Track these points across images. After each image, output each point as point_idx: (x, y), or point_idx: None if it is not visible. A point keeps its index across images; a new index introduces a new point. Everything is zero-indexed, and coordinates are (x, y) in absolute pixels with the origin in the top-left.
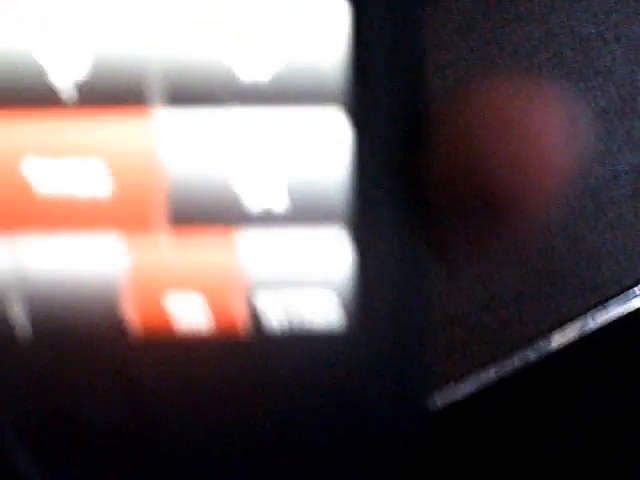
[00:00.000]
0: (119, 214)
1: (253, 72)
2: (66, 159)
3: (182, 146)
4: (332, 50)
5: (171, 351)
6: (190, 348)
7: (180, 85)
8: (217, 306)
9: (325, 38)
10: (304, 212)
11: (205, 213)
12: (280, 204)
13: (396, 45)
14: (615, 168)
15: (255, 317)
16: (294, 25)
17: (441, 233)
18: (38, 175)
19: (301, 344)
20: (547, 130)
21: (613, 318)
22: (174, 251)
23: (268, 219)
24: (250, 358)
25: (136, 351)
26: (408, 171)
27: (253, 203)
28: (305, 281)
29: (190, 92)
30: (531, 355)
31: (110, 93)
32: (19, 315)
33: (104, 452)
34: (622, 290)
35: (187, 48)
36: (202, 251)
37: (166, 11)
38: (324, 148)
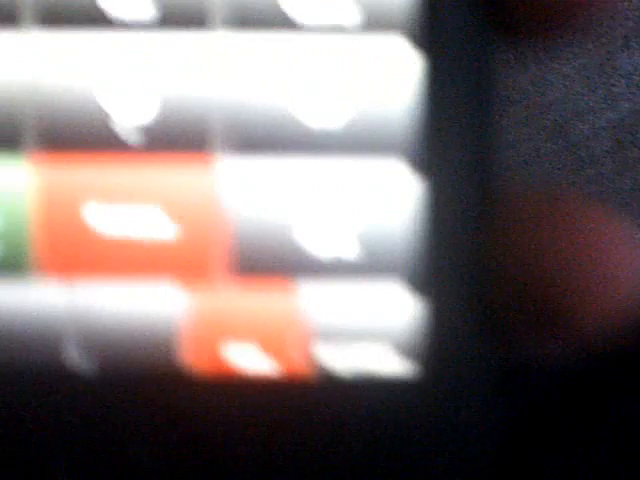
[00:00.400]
0: (181, 260)
1: (321, 120)
2: (129, 204)
3: (246, 194)
4: (403, 101)
5: (228, 394)
6: (249, 392)
7: (246, 133)
8: (278, 354)
9: (396, 88)
10: (370, 263)
11: (268, 262)
12: (346, 254)
13: (468, 99)
14: (594, 124)
15: (318, 364)
16: (365, 74)
17: (499, 299)
18: (100, 219)
19: (365, 390)
20: (612, 245)
21: None
22: (235, 299)
23: (333, 269)
24: (312, 403)
25: (194, 394)
26: (476, 227)
27: (317, 253)
28: (370, 331)
29: (256, 140)
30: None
31: (175, 139)
32: (78, 356)
33: None
34: None
35: (254, 95)
36: (264, 300)
37: (234, 57)
38: (392, 199)
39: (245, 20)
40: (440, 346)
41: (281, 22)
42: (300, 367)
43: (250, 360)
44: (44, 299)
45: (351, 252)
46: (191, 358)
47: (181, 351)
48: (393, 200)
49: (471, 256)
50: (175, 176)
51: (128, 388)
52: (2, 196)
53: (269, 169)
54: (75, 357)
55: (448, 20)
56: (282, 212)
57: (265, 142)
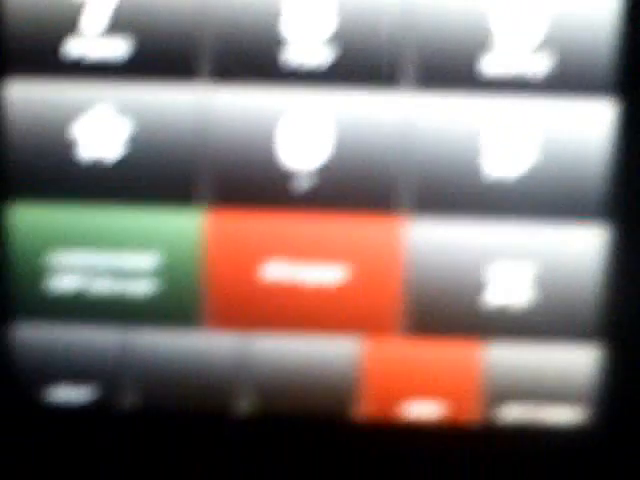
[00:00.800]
0: (357, 315)
1: (501, 174)
2: (304, 258)
3: (428, 255)
4: (590, 156)
5: (398, 442)
6: (419, 440)
7: (433, 192)
8: (452, 408)
9: (583, 141)
10: (552, 324)
11: (446, 323)
12: (527, 315)
13: None
14: None
15: (490, 415)
16: (551, 126)
17: None
18: (275, 273)
19: (536, 439)
20: None
21: None
22: (411, 356)
23: (514, 331)
24: (481, 451)
25: (362, 440)
26: None
27: (499, 314)
28: (551, 389)
29: (442, 200)
30: None
31: (360, 198)
32: (249, 405)
33: None
34: None
35: (442, 147)
36: (440, 358)
37: (421, 116)
38: (578, 262)
39: (433, 79)
40: (617, 394)
41: (470, 82)
42: (474, 418)
43: (424, 411)
44: (215, 349)
45: (534, 313)
46: (365, 408)
47: (355, 402)
48: (579, 260)
49: None
50: (356, 232)
51: (299, 437)
52: (176, 249)
53: (456, 229)
54: (246, 406)
55: None
56: (462, 272)
57: (450, 202)
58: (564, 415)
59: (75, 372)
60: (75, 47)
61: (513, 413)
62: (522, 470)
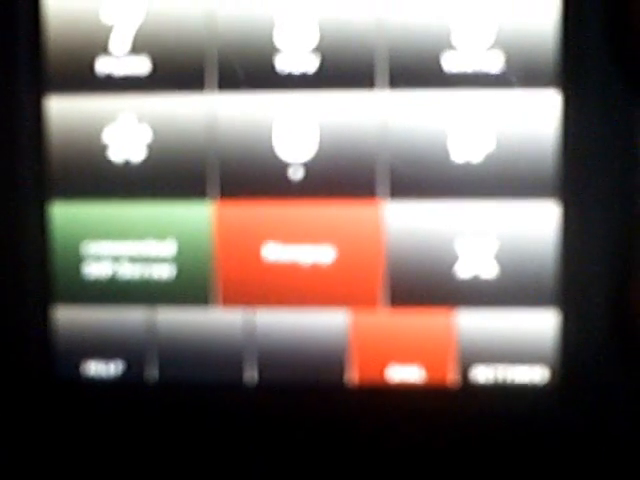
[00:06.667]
0: (345, 290)
1: (465, 159)
2: (301, 241)
3: (405, 234)
4: (540, 140)
5: (385, 402)
6: (403, 399)
7: (407, 177)
8: (431, 370)
9: (533, 127)
10: (515, 292)
11: (423, 294)
12: (493, 284)
13: (605, 138)
14: None
15: (465, 376)
16: (505, 115)
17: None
18: (275, 255)
19: (506, 396)
20: None
21: None
22: (394, 325)
23: (483, 300)
24: (458, 407)
25: (353, 401)
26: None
27: (468, 284)
28: (516, 351)
29: (414, 184)
30: None
31: (345, 184)
32: (256, 373)
33: None
34: None
35: (413, 139)
36: (419, 326)
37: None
38: (536, 236)
39: (403, 79)
40: (573, 355)
41: (439, 80)
42: (449, 375)
43: (407, 376)
44: (225, 325)
45: (499, 282)
46: (355, 374)
47: (346, 368)
48: (537, 236)
49: (603, 267)
50: (343, 216)
51: (298, 399)
52: (190, 237)
53: (428, 210)
54: (253, 373)
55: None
56: (438, 248)
57: (423, 186)
58: (528, 375)
59: (106, 349)
60: (104, 65)
61: (484, 374)
62: (493, 424)
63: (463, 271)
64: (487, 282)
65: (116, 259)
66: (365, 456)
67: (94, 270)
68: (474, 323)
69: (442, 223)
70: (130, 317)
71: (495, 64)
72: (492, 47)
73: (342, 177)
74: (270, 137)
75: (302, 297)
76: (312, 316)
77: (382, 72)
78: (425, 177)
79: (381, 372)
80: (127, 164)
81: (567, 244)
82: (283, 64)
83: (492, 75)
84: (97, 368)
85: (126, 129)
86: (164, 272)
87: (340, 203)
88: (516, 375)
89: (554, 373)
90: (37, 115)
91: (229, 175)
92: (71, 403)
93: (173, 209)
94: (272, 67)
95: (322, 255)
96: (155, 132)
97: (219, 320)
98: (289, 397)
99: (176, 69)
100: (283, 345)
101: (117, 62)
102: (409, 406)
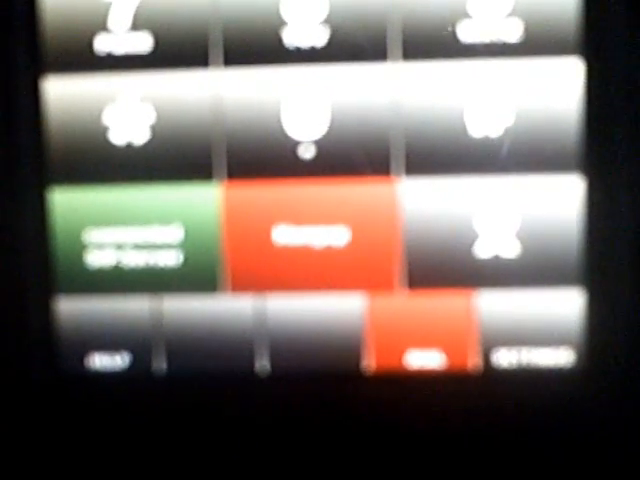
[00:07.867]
0: (361, 273)
1: (484, 133)
2: (313, 223)
3: (422, 212)
4: (562, 112)
5: (404, 389)
6: (423, 386)
7: (423, 153)
8: (451, 355)
9: (554, 98)
10: (538, 272)
11: (442, 276)
12: (515, 264)
13: (629, 107)
14: None
15: (487, 360)
16: (525, 86)
17: None
18: (286, 238)
19: (530, 381)
20: None
21: None
22: (412, 309)
23: (504, 280)
24: (480, 394)
25: (371, 390)
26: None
27: (489, 264)
28: (540, 333)
29: (430, 159)
30: None
31: (358, 163)
32: (268, 361)
33: None
34: None
35: (428, 113)
36: (439, 309)
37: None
38: (559, 212)
39: (418, 51)
40: (600, 336)
41: (455, 50)
42: (471, 359)
43: (426, 362)
44: (235, 311)
45: (521, 262)
46: (372, 361)
47: (362, 354)
48: (561, 211)
49: (630, 243)
50: (357, 196)
51: (313, 390)
52: (197, 221)
53: (445, 188)
54: (265, 362)
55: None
56: (456, 227)
57: (439, 161)
58: (553, 358)
59: (111, 341)
60: (103, 43)
61: (507, 358)
62: (517, 410)
63: (483, 251)
64: (508, 262)
65: (120, 246)
66: (384, 448)
67: (97, 259)
68: (495, 305)
69: (460, 201)
70: (135, 307)
71: (513, 33)
72: (510, 15)
73: (355, 154)
74: (279, 114)
75: (315, 281)
76: (326, 301)
77: (395, 43)
78: (441, 153)
79: (399, 358)
80: (129, 146)
81: (592, 220)
82: (291, 37)
83: (510, 44)
84: (102, 361)
85: (128, 110)
86: (170, 259)
87: (353, 182)
88: (540, 358)
89: (580, 355)
90: (34, 97)
91: (236, 155)
92: (77, 398)
93: (178, 193)
94: (279, 41)
95: (336, 237)
96: (158, 112)
97: (228, 308)
98: (303, 387)
99: (179, 45)
100: (296, 333)
101: (117, 40)
102: (429, 393)
